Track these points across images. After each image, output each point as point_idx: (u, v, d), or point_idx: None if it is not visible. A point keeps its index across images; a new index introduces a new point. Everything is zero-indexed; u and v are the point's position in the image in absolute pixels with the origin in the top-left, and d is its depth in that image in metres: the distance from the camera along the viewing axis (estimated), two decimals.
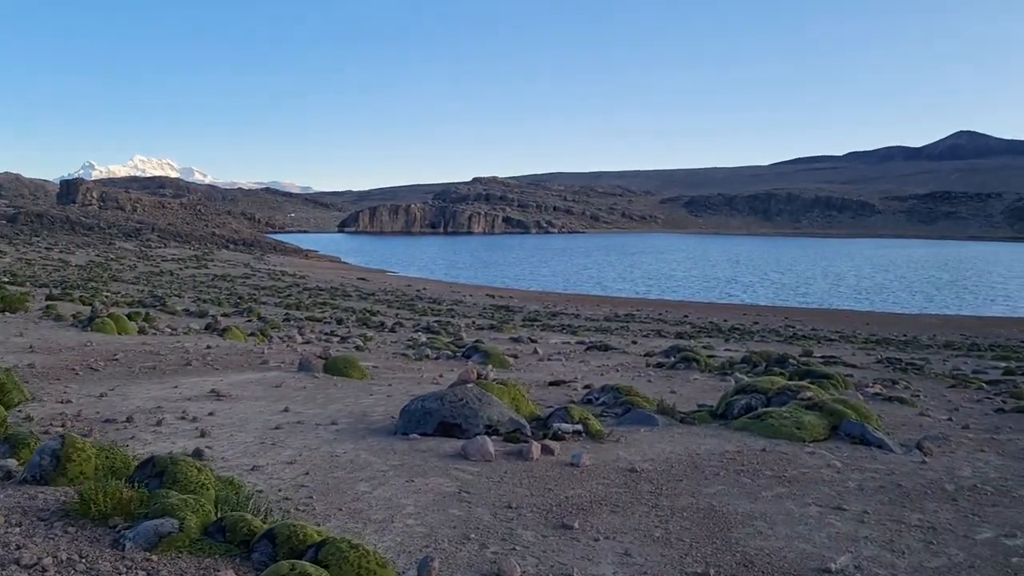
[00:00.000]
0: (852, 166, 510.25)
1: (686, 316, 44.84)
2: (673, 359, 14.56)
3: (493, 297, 53.33)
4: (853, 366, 19.22)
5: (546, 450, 6.00)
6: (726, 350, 23.65)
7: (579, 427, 6.65)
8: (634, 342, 25.68)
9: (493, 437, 6.28)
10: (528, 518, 4.64)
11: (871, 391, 11.16)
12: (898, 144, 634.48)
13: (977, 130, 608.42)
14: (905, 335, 37.38)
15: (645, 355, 19.07)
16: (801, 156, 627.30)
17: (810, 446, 6.49)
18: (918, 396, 11.86)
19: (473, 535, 4.31)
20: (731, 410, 7.28)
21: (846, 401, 7.00)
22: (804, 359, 19.38)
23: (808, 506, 5.04)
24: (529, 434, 6.51)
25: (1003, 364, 23.46)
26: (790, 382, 7.49)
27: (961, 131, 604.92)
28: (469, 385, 6.81)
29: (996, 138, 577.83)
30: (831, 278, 74.80)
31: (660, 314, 45.96)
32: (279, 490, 5.02)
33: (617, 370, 13.53)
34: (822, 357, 22.29)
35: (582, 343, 22.44)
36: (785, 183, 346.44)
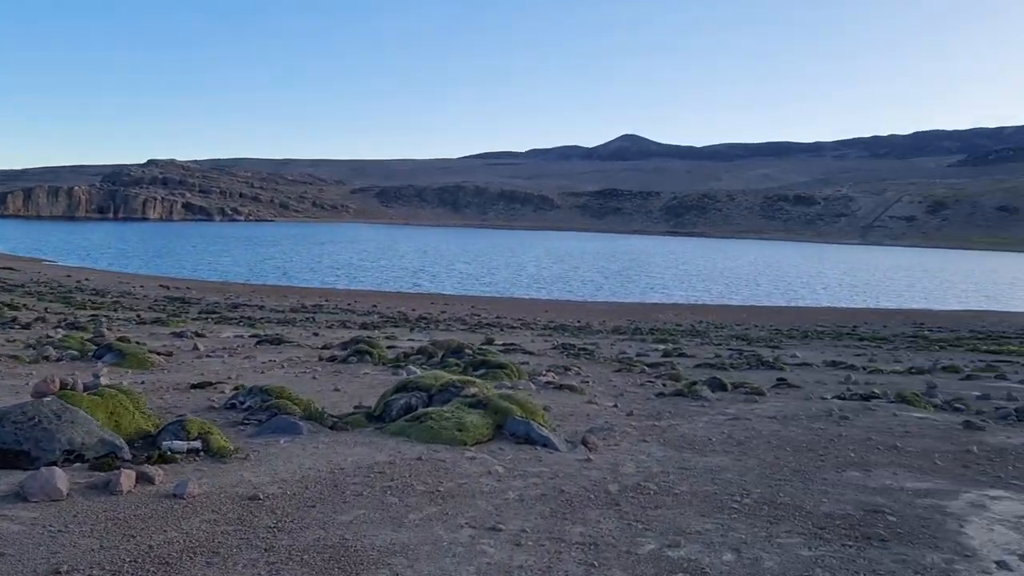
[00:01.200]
0: (533, 163, 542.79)
1: (375, 306, 44.07)
2: (347, 352, 13.52)
3: (168, 288, 48.97)
4: (531, 353, 19.49)
5: (144, 479, 4.65)
6: (409, 340, 23.10)
7: (197, 444, 5.34)
8: (316, 334, 24.35)
9: (76, 465, 4.82)
10: None
11: (543, 380, 10.95)
12: (574, 144, 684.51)
13: (640, 134, 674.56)
14: (579, 321, 39.56)
15: (322, 348, 17.88)
16: (488, 151, 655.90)
17: (472, 450, 5.77)
18: (587, 383, 11.93)
19: None
20: (389, 411, 6.40)
21: (512, 396, 6.41)
22: (483, 348, 19.30)
23: (460, 529, 4.23)
24: (128, 458, 5.09)
25: (661, 346, 25.32)
26: (454, 377, 6.78)
27: (626, 134, 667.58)
28: (48, 399, 5.25)
29: (656, 142, 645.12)
30: (514, 268, 78.22)
31: (349, 304, 44.83)
32: None
33: (283, 366, 12.23)
34: (503, 345, 22.49)
35: (256, 336, 20.72)
36: (473, 177, 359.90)
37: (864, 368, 19.15)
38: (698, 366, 17.62)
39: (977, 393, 13.93)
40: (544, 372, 12.24)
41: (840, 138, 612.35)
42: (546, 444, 5.95)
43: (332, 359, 13.53)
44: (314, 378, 10.42)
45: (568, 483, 5.17)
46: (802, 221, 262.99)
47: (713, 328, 37.38)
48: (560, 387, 10.21)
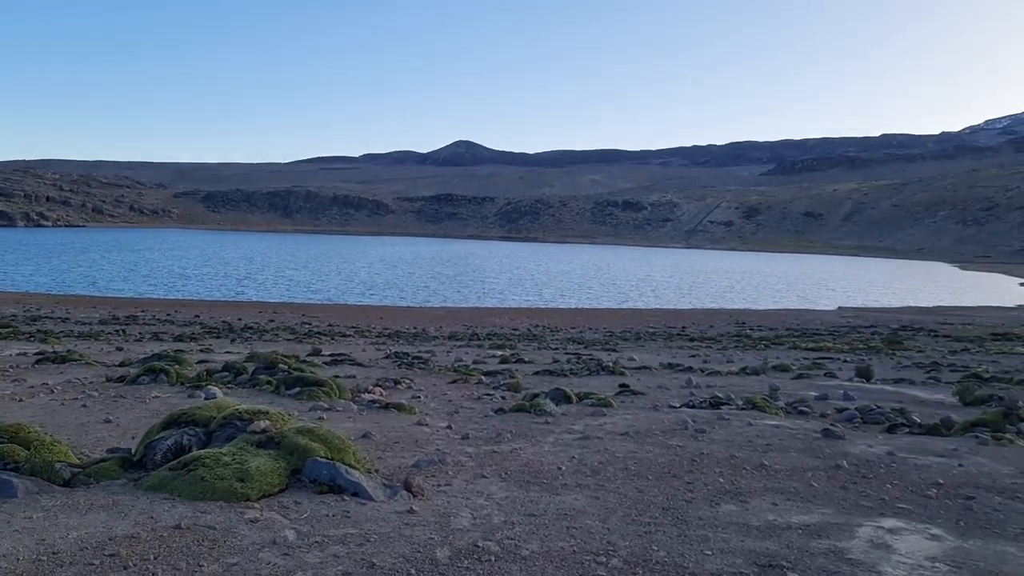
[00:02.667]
0: (368, 168, 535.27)
1: (198, 316, 40.94)
2: (138, 370, 11.60)
3: None
4: (360, 364, 17.98)
5: None
6: (227, 353, 21.03)
7: None
8: (119, 349, 21.76)
9: None
10: None
11: (368, 397, 9.59)
12: (409, 149, 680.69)
13: (473, 140, 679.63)
14: (415, 328, 38.21)
15: (119, 365, 15.69)
16: (320, 156, 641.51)
17: (257, 506, 4.34)
18: (419, 398, 10.67)
19: None
20: (152, 455, 4.86)
21: (314, 431, 5.02)
22: (306, 360, 17.63)
23: None
24: None
25: (499, 353, 24.38)
26: (241, 406, 5.30)
27: (460, 140, 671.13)
28: None
29: (489, 148, 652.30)
30: (346, 274, 75.72)
31: (169, 315, 41.39)
32: None
33: (54, 391, 10.21)
34: (331, 355, 20.83)
35: (42, 353, 18.09)
36: (305, 181, 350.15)
37: (702, 370, 18.91)
38: (537, 373, 16.74)
39: (815, 393, 13.75)
40: (371, 388, 10.86)
41: (664, 147, 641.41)
42: (357, 492, 4.63)
43: (121, 379, 11.58)
44: (85, 406, 8.56)
45: (382, 551, 3.88)
46: (631, 226, 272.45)
47: (549, 332, 36.99)
48: (387, 406, 8.89)
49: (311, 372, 10.82)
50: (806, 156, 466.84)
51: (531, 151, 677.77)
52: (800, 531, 4.55)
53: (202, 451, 4.74)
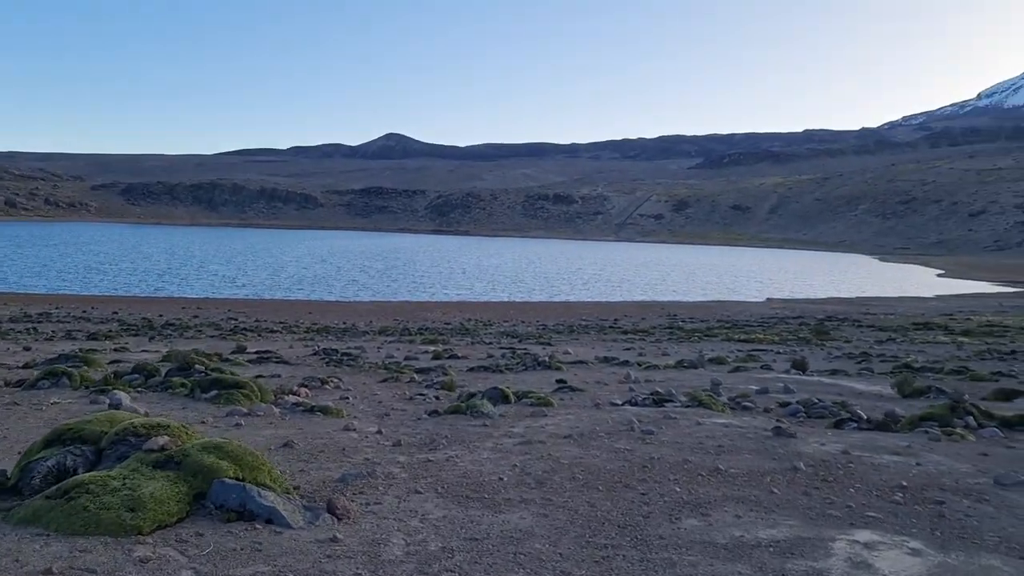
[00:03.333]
0: (295, 160, 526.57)
1: (115, 313, 39.19)
2: (39, 373, 10.67)
3: None
4: (286, 362, 17.17)
5: None
6: (144, 352, 19.97)
7: None
8: (27, 348, 20.47)
9: None
10: None
11: (292, 400, 8.89)
12: (337, 142, 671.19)
13: (404, 133, 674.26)
14: (345, 323, 37.25)
15: (24, 367, 14.63)
16: (247, 148, 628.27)
17: (149, 541, 3.64)
18: (348, 399, 10.01)
19: None
20: (29, 478, 4.13)
21: (223, 447, 4.33)
22: (229, 359, 16.75)
23: None
24: None
25: (432, 348, 23.72)
26: (138, 420, 4.59)
27: (391, 133, 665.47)
28: None
29: (420, 141, 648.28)
30: (273, 268, 73.95)
31: (85, 312, 39.49)
32: None
33: None
34: (256, 353, 19.94)
35: None
36: (231, 174, 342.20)
37: (639, 364, 18.62)
38: (472, 370, 16.18)
39: (755, 387, 13.53)
40: (296, 388, 10.15)
41: (594, 140, 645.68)
42: (272, 519, 3.98)
43: (20, 383, 10.63)
44: None
45: None
46: (562, 219, 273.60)
47: (482, 326, 36.46)
48: (312, 409, 8.22)
49: (231, 373, 10.07)
50: (733, 150, 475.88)
51: (462, 144, 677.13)
52: (771, 549, 4.11)
53: (88, 474, 4.04)
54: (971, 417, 8.54)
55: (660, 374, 15.98)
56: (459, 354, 21.31)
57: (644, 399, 9.75)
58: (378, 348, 24.02)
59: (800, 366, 17.22)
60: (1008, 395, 12.22)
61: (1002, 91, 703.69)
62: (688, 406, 9.25)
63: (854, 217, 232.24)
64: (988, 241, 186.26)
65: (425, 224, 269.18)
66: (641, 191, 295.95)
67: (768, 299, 61.10)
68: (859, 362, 21.23)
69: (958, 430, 7.89)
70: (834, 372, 17.01)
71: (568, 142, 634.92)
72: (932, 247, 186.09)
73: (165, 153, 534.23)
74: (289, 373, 14.07)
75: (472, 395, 9.28)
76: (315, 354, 20.48)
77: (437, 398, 10.16)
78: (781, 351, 25.11)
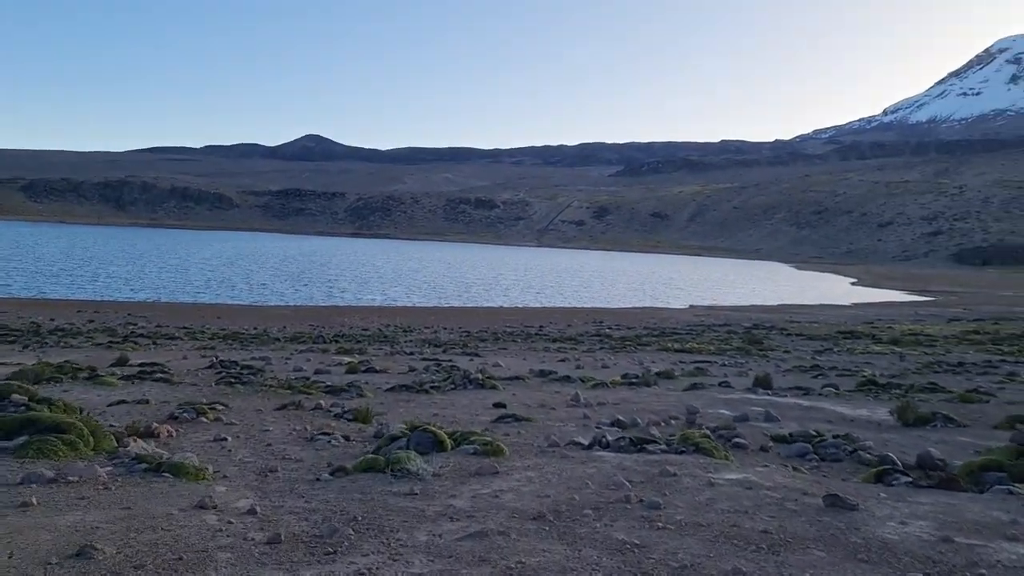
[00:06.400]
0: (211, 160, 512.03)
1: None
2: None
3: None
4: (168, 381, 14.22)
5: None
6: (19, 364, 16.87)
7: None
8: None
9: None
10: None
11: (137, 450, 6.27)
12: (255, 142, 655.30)
13: (324, 135, 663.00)
14: (256, 328, 34.21)
15: None
16: (159, 146, 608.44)
17: None
18: (225, 441, 7.45)
19: None
20: None
21: None
22: (90, 378, 13.83)
23: None
24: None
25: (347, 359, 21.11)
26: None
27: (310, 134, 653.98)
28: None
29: (340, 143, 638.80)
30: (181, 270, 69.62)
31: None
32: None
33: None
34: (140, 365, 16.99)
35: None
36: (141, 172, 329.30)
37: (582, 380, 16.38)
38: (391, 389, 13.68)
39: (731, 413, 11.43)
40: (154, 427, 7.53)
41: (516, 146, 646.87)
42: None
43: None
44: None
45: None
46: (483, 224, 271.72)
47: (402, 332, 33.85)
48: (159, 467, 5.68)
49: (59, 405, 7.38)
50: (652, 159, 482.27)
51: (383, 147, 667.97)
52: None
53: None
54: None
55: (611, 394, 13.78)
56: (377, 367, 18.75)
57: (618, 439, 7.48)
58: (287, 359, 21.25)
59: (764, 383, 15.30)
60: None
61: (906, 108, 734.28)
62: (681, 452, 7.02)
63: (770, 226, 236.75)
64: (896, 251, 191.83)
65: (344, 227, 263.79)
66: (563, 197, 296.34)
67: (691, 306, 60.09)
68: (815, 376, 19.49)
69: None
70: (802, 391, 15.10)
71: (490, 147, 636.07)
72: (844, 256, 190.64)
73: (72, 149, 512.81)
74: (164, 396, 11.35)
75: (394, 438, 6.83)
76: (211, 367, 17.65)
77: (347, 438, 7.65)
78: (726, 363, 23.35)
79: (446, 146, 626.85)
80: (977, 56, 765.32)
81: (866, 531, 4.68)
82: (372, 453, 6.42)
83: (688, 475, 5.94)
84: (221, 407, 10.05)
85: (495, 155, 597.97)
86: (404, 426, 7.71)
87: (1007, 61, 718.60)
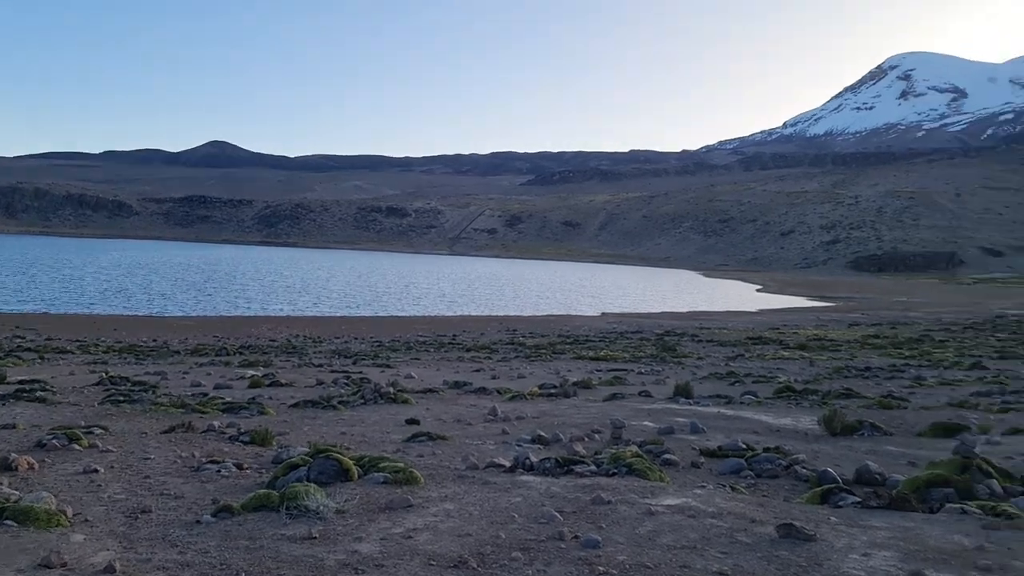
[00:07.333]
0: (109, 166, 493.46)
1: None
2: None
3: None
4: (45, 401, 12.85)
5: None
6: None
7: None
8: None
9: None
10: None
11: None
12: (156, 148, 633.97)
13: (229, 141, 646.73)
14: (155, 340, 32.50)
15: None
16: (53, 151, 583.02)
17: None
18: (95, 473, 6.47)
19: None
20: None
21: None
22: None
23: None
24: None
25: (250, 372, 19.96)
26: None
27: (216, 141, 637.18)
28: None
29: (246, 150, 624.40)
30: (76, 280, 66.20)
31: None
32: None
33: None
34: (19, 383, 15.52)
35: None
36: (34, 177, 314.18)
37: (498, 392, 15.75)
38: (296, 405, 12.75)
39: (655, 425, 10.97)
40: (13, 459, 6.52)
41: (427, 154, 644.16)
42: None
43: None
44: None
45: None
46: (395, 232, 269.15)
47: (311, 343, 32.67)
48: (2, 512, 4.75)
49: None
50: (563, 168, 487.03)
51: (292, 155, 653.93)
52: None
53: None
54: (993, 480, 6.25)
55: (530, 406, 13.16)
56: (283, 380, 17.72)
57: (543, 460, 6.83)
58: (184, 374, 19.96)
59: (685, 392, 14.96)
60: (948, 430, 10.26)
61: (804, 121, 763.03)
62: (612, 474, 6.41)
63: (678, 234, 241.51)
64: (798, 259, 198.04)
65: (252, 235, 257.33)
66: (474, 205, 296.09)
67: (603, 313, 60.36)
68: (732, 383, 19.35)
69: (1006, 507, 5.52)
70: (724, 399, 14.80)
71: (402, 155, 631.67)
72: (749, 263, 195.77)
73: None
74: (37, 419, 10.17)
75: (293, 466, 5.99)
76: (99, 384, 16.32)
77: (240, 466, 6.78)
78: (642, 371, 23.10)
79: (356, 154, 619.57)
80: (870, 72, 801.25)
81: (829, 568, 4.15)
82: (266, 486, 5.60)
83: (624, 502, 5.33)
84: (100, 431, 9.00)
85: (406, 163, 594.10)
86: (307, 449, 6.90)
87: (897, 78, 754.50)
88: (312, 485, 5.21)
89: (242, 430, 9.23)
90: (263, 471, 6.69)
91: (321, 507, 4.84)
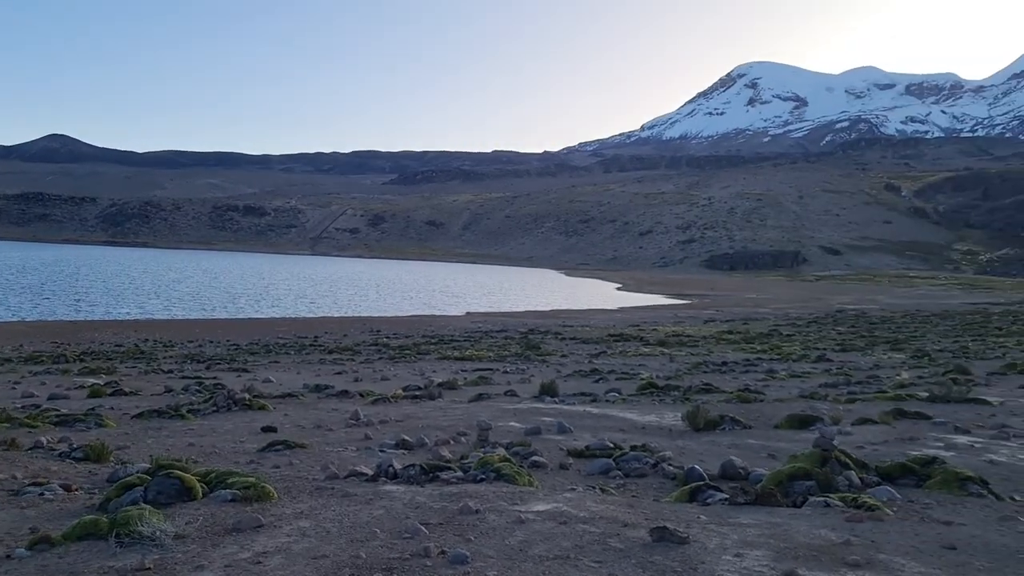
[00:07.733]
0: None
1: None
2: None
3: None
4: None
5: None
6: None
7: None
8: None
9: None
10: None
11: None
12: None
13: (70, 135, 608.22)
14: None
15: None
16: None
17: None
18: None
19: None
20: None
21: None
22: None
23: None
24: None
25: (90, 381, 18.55)
26: None
27: (55, 134, 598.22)
28: None
29: (90, 144, 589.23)
30: None
31: None
32: None
33: None
34: None
35: None
36: None
37: (361, 394, 15.24)
38: (140, 415, 11.84)
39: (521, 425, 10.79)
40: None
41: (287, 152, 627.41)
42: None
43: None
44: None
45: None
46: (253, 232, 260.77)
47: (162, 347, 30.94)
48: None
49: None
50: (426, 168, 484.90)
51: (139, 150, 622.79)
52: None
53: None
54: (851, 471, 6.37)
55: (394, 409, 12.76)
56: (127, 388, 16.56)
57: (407, 467, 6.47)
58: (15, 384, 18.40)
59: (550, 391, 14.93)
60: (803, 422, 10.58)
61: (661, 124, 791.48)
62: (480, 479, 6.13)
63: (540, 234, 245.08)
64: (655, 258, 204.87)
65: (96, 235, 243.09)
66: (336, 205, 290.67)
67: (467, 312, 60.34)
68: (596, 381, 19.60)
69: (866, 498, 5.60)
70: (589, 397, 14.85)
71: (260, 152, 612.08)
72: (609, 263, 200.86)
73: None
74: None
75: (129, 486, 5.39)
76: None
77: (68, 488, 6.07)
78: (508, 370, 23.09)
79: (210, 150, 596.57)
80: (721, 79, 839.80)
81: (704, 571, 4.01)
82: (96, 510, 4.99)
83: (493, 510, 5.06)
84: None
85: (264, 161, 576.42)
86: (147, 465, 6.28)
87: (745, 85, 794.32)
88: (148, 508, 4.66)
89: (75, 445, 8.40)
90: (96, 492, 6.02)
91: (157, 532, 4.31)
